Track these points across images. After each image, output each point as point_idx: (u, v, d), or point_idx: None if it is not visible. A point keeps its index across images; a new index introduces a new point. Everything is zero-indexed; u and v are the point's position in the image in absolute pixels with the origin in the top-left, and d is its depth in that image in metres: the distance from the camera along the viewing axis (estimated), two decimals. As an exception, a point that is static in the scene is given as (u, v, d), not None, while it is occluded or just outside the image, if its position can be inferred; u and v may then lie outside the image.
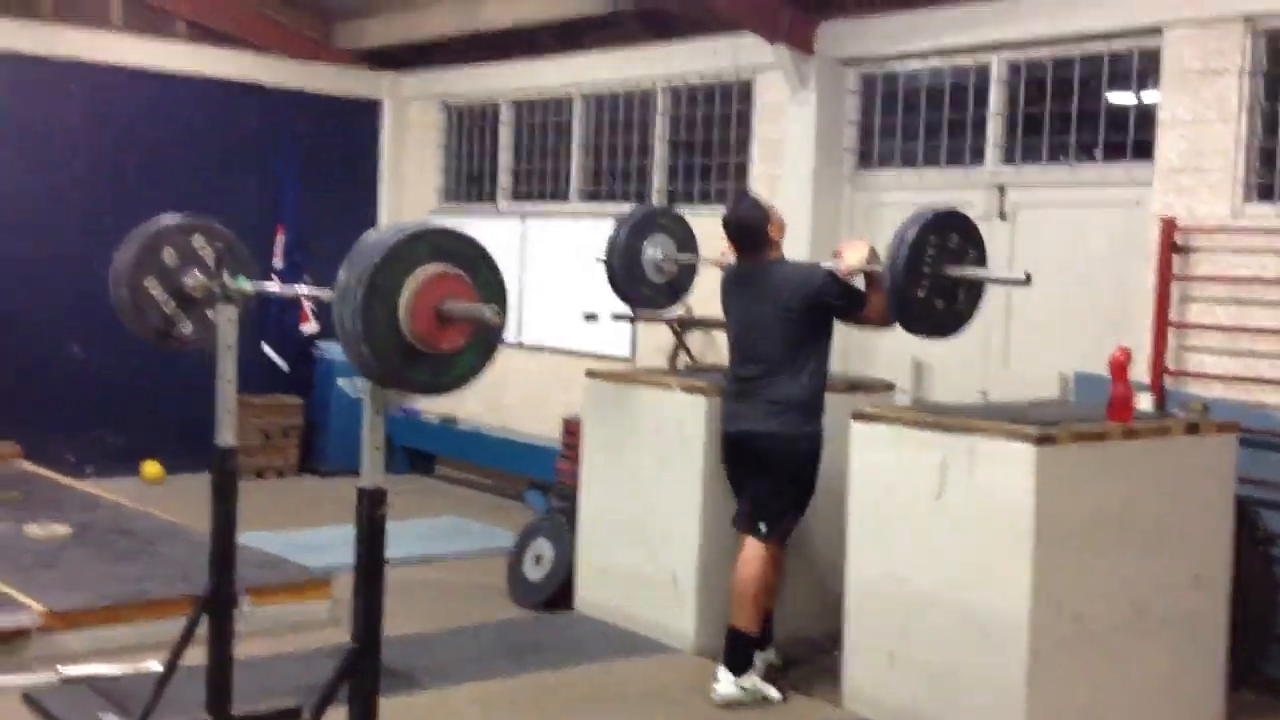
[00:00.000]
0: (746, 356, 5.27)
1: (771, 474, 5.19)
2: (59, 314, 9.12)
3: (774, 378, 5.14)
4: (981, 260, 4.75)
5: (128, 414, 9.43)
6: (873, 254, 4.99)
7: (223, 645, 4.33)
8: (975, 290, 4.75)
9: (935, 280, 4.60)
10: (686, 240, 6.10)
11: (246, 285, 4.40)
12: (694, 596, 5.63)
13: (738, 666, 5.10)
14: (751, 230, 5.25)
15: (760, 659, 5.27)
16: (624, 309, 8.56)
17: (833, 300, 5.09)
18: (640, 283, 6.03)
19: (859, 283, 5.10)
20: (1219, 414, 5.27)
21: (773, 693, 5.12)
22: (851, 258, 5.03)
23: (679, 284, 6.15)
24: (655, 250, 5.99)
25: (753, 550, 5.16)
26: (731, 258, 5.44)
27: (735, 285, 5.37)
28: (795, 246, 6.14)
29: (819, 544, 5.67)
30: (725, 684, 5.07)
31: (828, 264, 5.14)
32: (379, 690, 3.56)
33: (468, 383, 3.48)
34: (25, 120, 9.06)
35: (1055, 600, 4.51)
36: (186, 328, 4.53)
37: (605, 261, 5.99)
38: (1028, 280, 4.61)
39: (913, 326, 4.72)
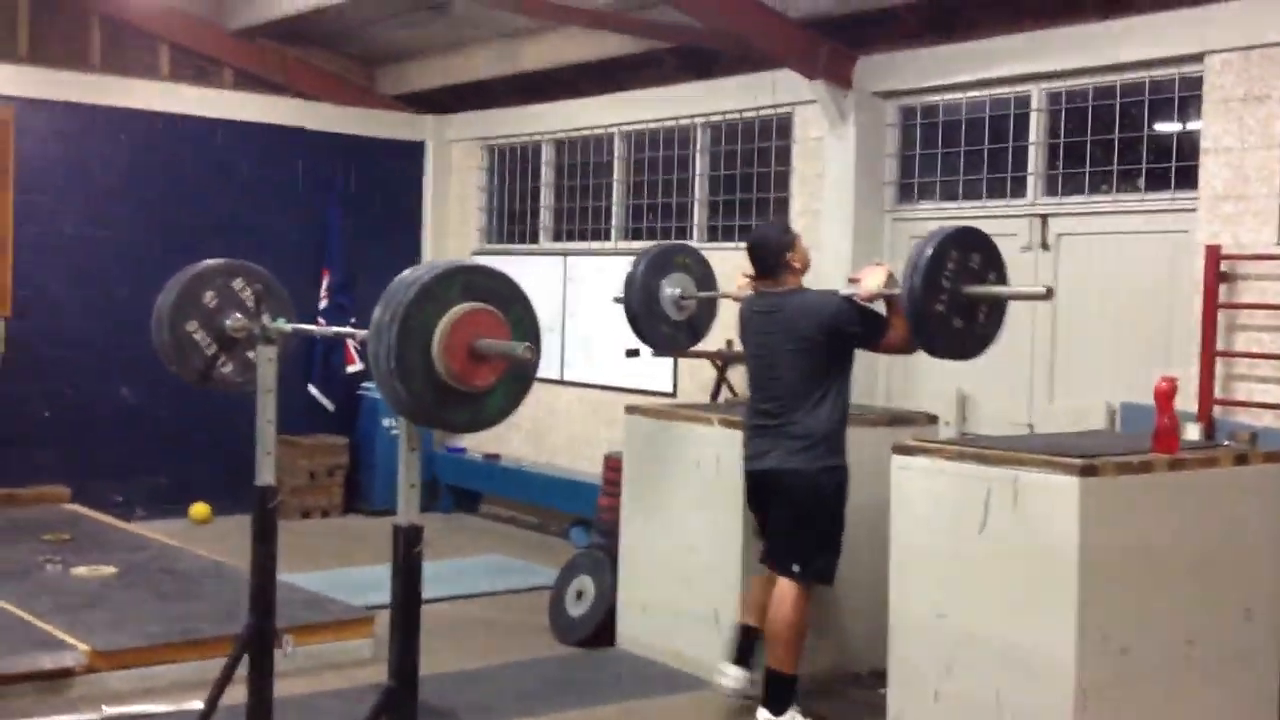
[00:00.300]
0: (765, 390, 5.21)
1: (798, 512, 5.12)
2: (108, 358, 9.26)
3: (794, 412, 5.08)
4: (1001, 279, 4.64)
5: (176, 456, 9.54)
6: (890, 279, 4.89)
7: (263, 683, 4.34)
8: (997, 309, 4.64)
9: (954, 298, 4.49)
10: (705, 277, 6.07)
11: (285, 326, 4.45)
12: (736, 632, 5.58)
13: (778, 707, 5.05)
14: (770, 250, 5.18)
15: (734, 676, 5.29)
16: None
17: (852, 328, 5.01)
18: (660, 320, 5.98)
19: (880, 308, 5.02)
20: (1268, 443, 5.18)
21: None
22: (870, 282, 4.93)
23: (698, 322, 6.10)
24: (674, 288, 5.95)
25: (786, 590, 5.09)
26: (749, 290, 5.40)
27: (753, 316, 5.30)
28: (836, 281, 6.10)
29: (862, 578, 5.61)
30: None
31: (846, 290, 5.07)
32: (416, 728, 3.55)
33: (500, 420, 3.48)
34: (75, 168, 9.23)
35: (1102, 635, 4.43)
36: (227, 369, 4.59)
37: (624, 301, 5.94)
38: (1049, 294, 4.51)
39: (933, 347, 4.62)
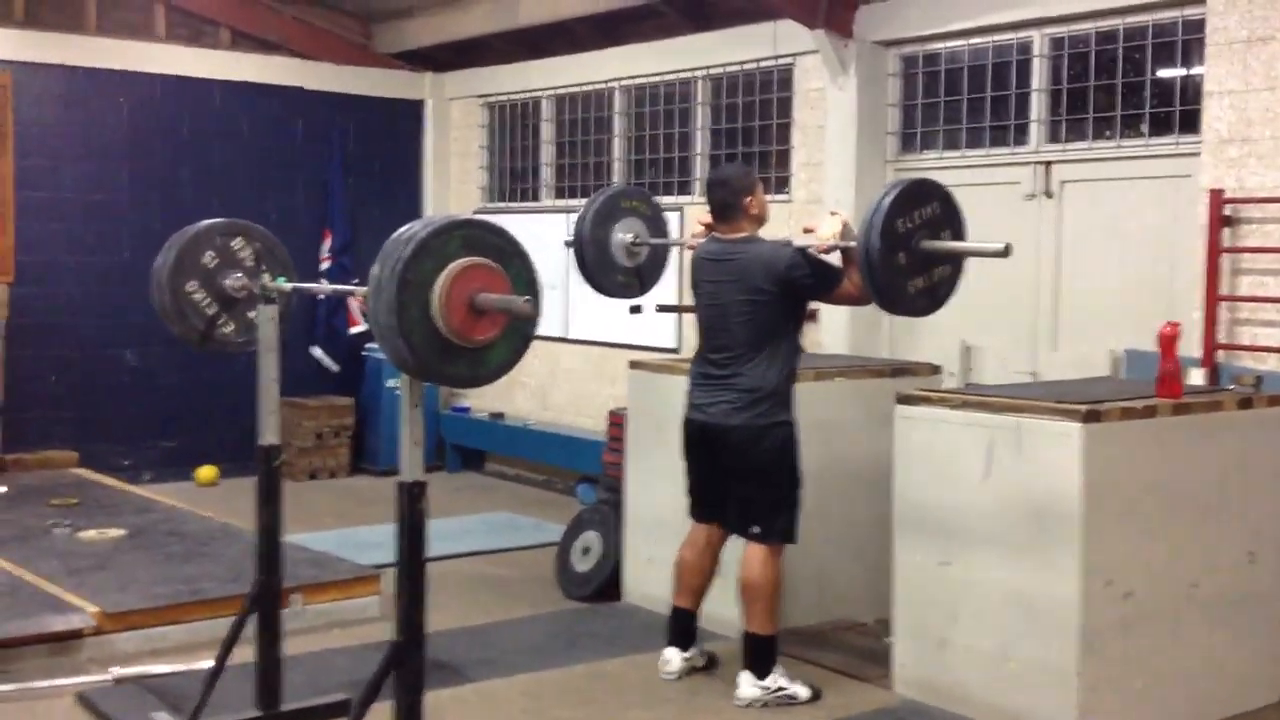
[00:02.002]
0: (714, 340, 5.02)
1: (749, 472, 4.93)
2: (112, 322, 9.27)
3: (743, 364, 4.89)
4: (959, 234, 4.38)
5: (182, 419, 9.57)
6: (846, 228, 4.70)
7: (271, 642, 4.37)
8: (954, 265, 4.39)
9: (910, 253, 4.23)
10: (655, 217, 5.77)
11: (285, 285, 4.44)
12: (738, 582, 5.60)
13: (761, 670, 4.91)
14: (731, 190, 4.97)
15: (681, 658, 5.16)
16: (669, 301, 8.58)
17: (805, 279, 4.80)
18: (614, 270, 5.67)
19: (835, 258, 4.79)
20: (1272, 386, 5.17)
21: (802, 691, 4.92)
22: (824, 231, 4.70)
23: (649, 268, 5.79)
24: (625, 234, 5.64)
25: (753, 552, 4.93)
26: (703, 239, 5.20)
27: (704, 262, 5.07)
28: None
29: (867, 527, 5.63)
30: (746, 686, 4.91)
31: (800, 240, 4.88)
32: (424, 682, 3.57)
33: (502, 374, 3.48)
34: (74, 131, 9.20)
35: (1106, 580, 4.44)
36: (228, 329, 4.59)
37: (576, 255, 5.65)
38: (1006, 251, 4.21)
39: (888, 303, 4.37)
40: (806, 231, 4.90)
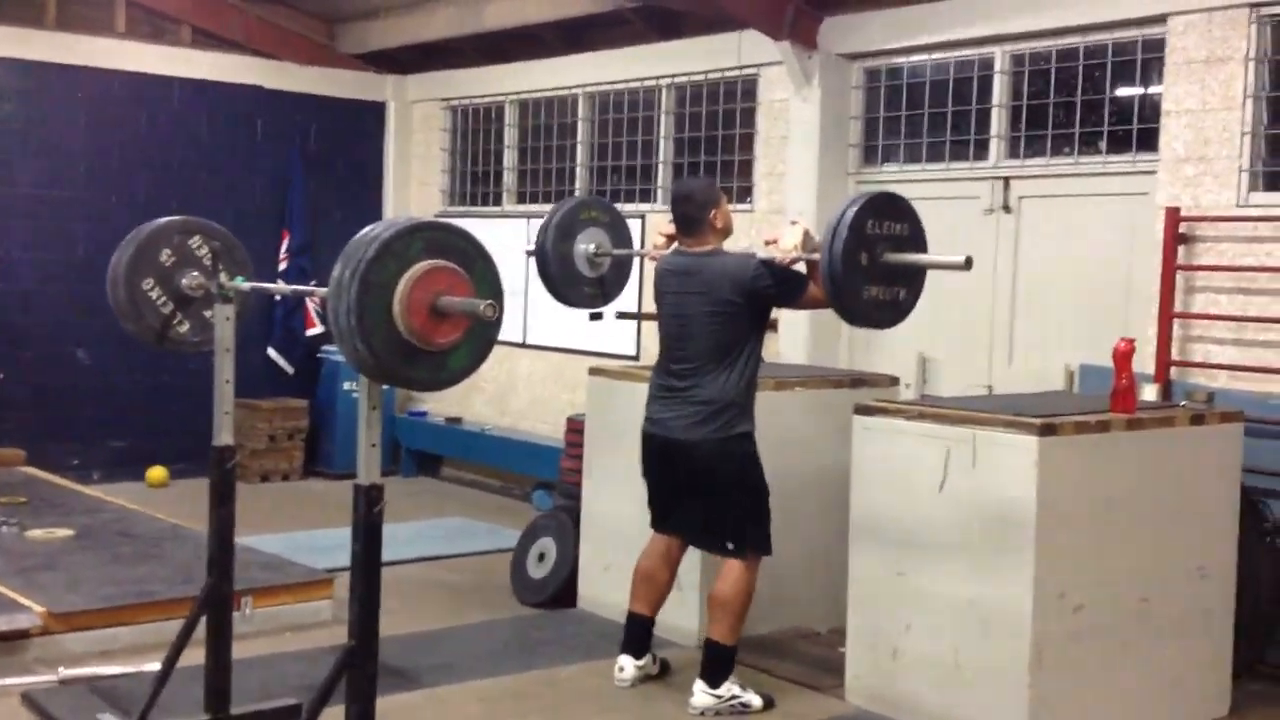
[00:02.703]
0: (677, 353, 5.00)
1: (715, 486, 4.92)
2: (64, 320, 9.16)
3: (704, 376, 4.89)
4: (920, 247, 4.41)
5: (133, 419, 9.46)
6: (808, 237, 4.71)
7: (221, 644, 4.32)
8: (916, 277, 4.43)
9: (873, 265, 4.25)
10: (615, 223, 5.72)
11: (243, 284, 4.40)
12: (697, 593, 5.59)
13: (716, 679, 4.91)
14: (695, 204, 4.98)
15: (634, 666, 5.12)
16: (629, 308, 8.58)
17: (770, 289, 4.79)
18: (580, 282, 5.65)
19: (799, 269, 4.79)
20: (1224, 403, 5.24)
21: (755, 700, 4.92)
22: (786, 242, 4.70)
23: (613, 278, 5.76)
24: (588, 244, 5.61)
25: (730, 567, 4.93)
26: (665, 250, 5.20)
27: (668, 275, 5.08)
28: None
29: (823, 536, 5.64)
30: (700, 695, 4.90)
31: (763, 253, 4.86)
32: (376, 687, 3.54)
33: (463, 378, 3.46)
34: (32, 127, 9.09)
35: (1058, 592, 4.48)
36: (184, 328, 4.53)
37: (541, 271, 5.63)
38: (968, 264, 4.26)
39: (850, 315, 4.40)
40: (769, 244, 4.88)
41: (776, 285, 4.81)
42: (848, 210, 4.23)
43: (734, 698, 4.91)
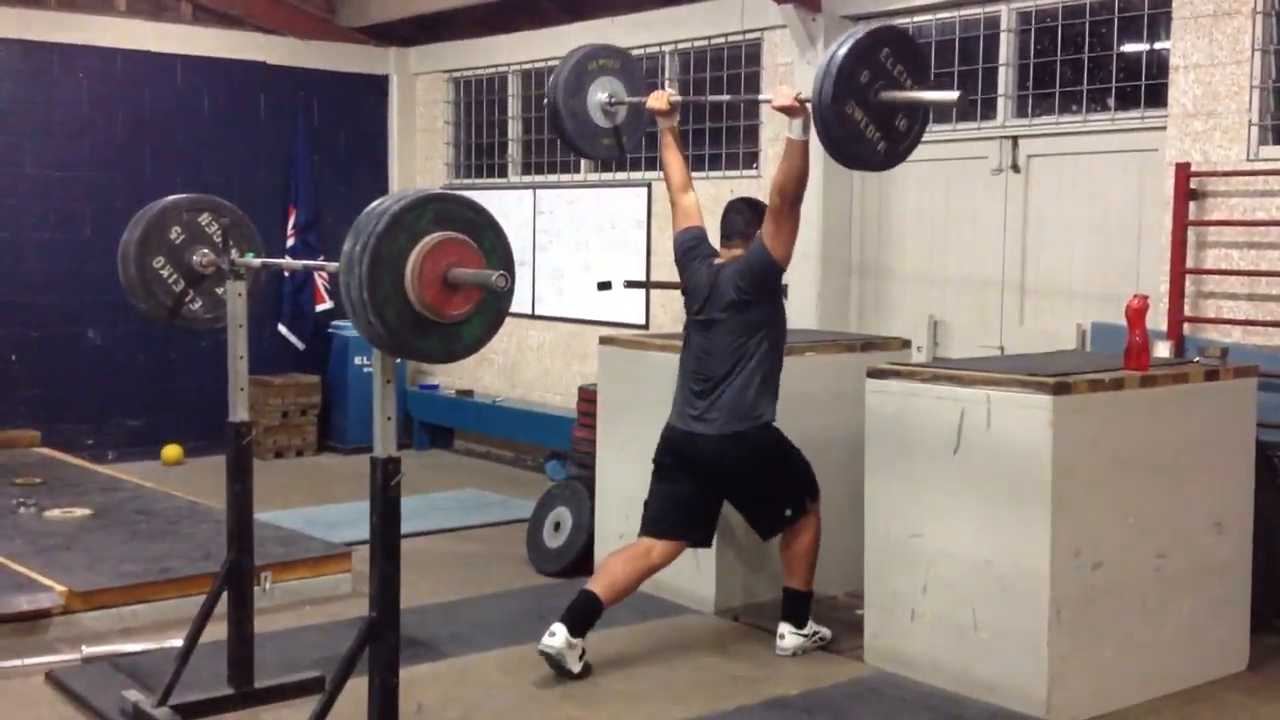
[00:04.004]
0: (702, 361, 5.06)
1: (758, 477, 5.10)
2: (75, 300, 9.17)
3: (734, 378, 4.98)
4: (921, 82, 4.31)
5: (147, 398, 9.49)
6: (803, 108, 4.58)
7: (243, 619, 4.36)
8: (915, 115, 4.33)
9: (867, 107, 4.18)
10: (628, 70, 5.58)
11: (254, 260, 4.41)
12: (713, 559, 5.62)
13: (801, 620, 5.22)
14: (744, 219, 5.10)
15: (568, 641, 4.86)
16: (638, 277, 8.58)
17: (752, 216, 5.03)
18: (598, 135, 5.49)
19: (796, 128, 4.67)
20: (1237, 358, 5.22)
21: (826, 632, 5.30)
22: (781, 93, 4.68)
23: (629, 125, 5.58)
24: (602, 94, 5.45)
25: (800, 526, 5.20)
26: (676, 97, 5.28)
27: (700, 275, 5.11)
28: (807, 204, 6.03)
29: (838, 500, 5.65)
30: (790, 636, 5.19)
31: (776, 99, 4.72)
32: (399, 658, 3.57)
33: (475, 350, 3.47)
34: (35, 107, 9.07)
35: (1075, 550, 4.48)
36: (196, 305, 4.56)
37: (556, 128, 5.51)
38: (961, 99, 4.25)
39: (845, 156, 4.34)
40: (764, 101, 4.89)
41: (751, 206, 5.08)
42: (840, 48, 4.17)
43: (815, 633, 5.26)
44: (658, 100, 5.26)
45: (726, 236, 5.17)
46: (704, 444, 5.02)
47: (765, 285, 4.97)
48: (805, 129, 4.66)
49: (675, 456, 5.15)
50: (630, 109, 5.51)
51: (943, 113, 7.27)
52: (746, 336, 4.97)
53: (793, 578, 5.24)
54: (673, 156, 5.32)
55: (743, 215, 5.16)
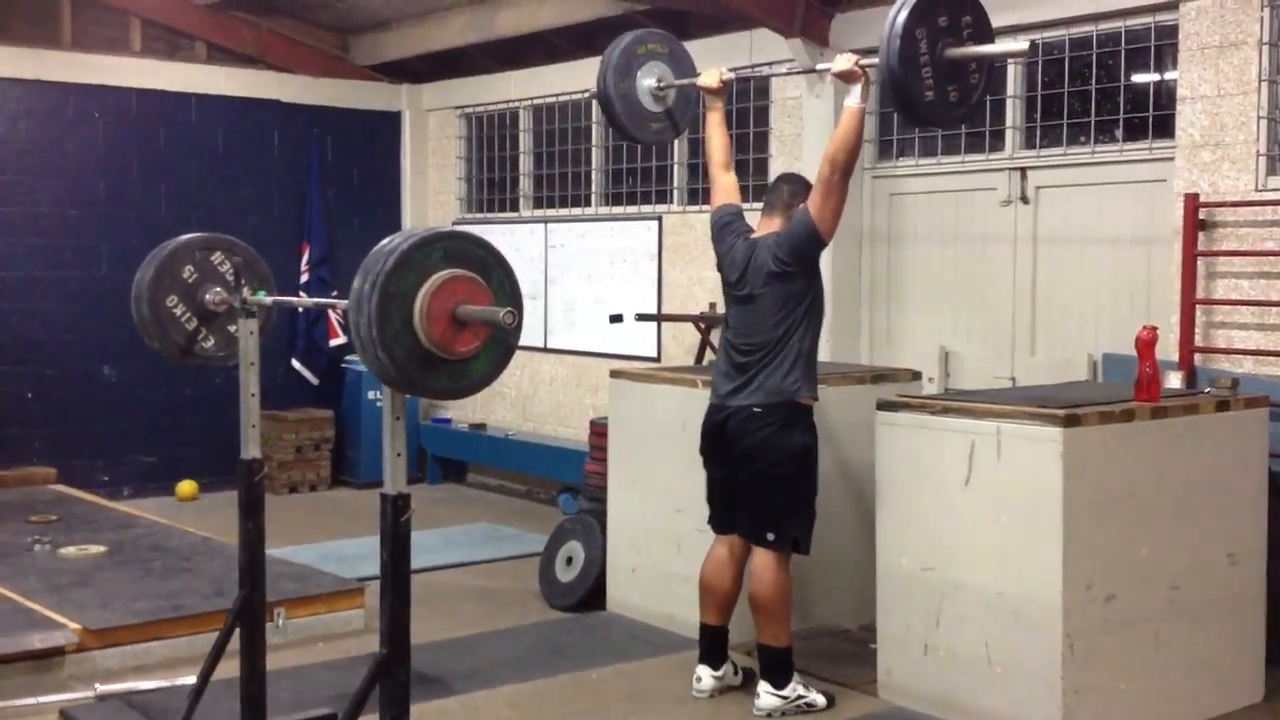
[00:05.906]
0: (742, 335, 5.01)
1: (766, 472, 4.90)
2: (90, 337, 9.23)
3: (771, 354, 4.92)
4: (982, 34, 4.35)
5: (161, 434, 9.53)
6: (864, 73, 4.67)
7: (255, 656, 4.35)
8: (983, 69, 4.35)
9: (936, 66, 4.22)
10: (676, 54, 5.55)
11: (265, 298, 4.43)
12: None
13: (779, 680, 4.92)
14: (790, 191, 5.06)
15: (711, 676, 5.07)
16: (649, 310, 8.61)
17: (801, 188, 4.99)
18: (647, 119, 5.47)
19: (854, 94, 4.73)
20: (1249, 389, 5.22)
21: (819, 699, 4.95)
22: (841, 60, 4.74)
23: (679, 107, 5.56)
24: (650, 79, 5.42)
25: (764, 561, 4.92)
26: (729, 75, 5.27)
27: (734, 251, 5.09)
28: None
29: (850, 533, 5.65)
30: (766, 696, 4.91)
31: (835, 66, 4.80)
32: (409, 695, 3.56)
33: (484, 386, 3.48)
34: (51, 147, 9.16)
35: (1087, 582, 4.47)
36: (209, 343, 4.57)
37: (604, 110, 5.48)
38: (1030, 50, 4.23)
39: (917, 116, 4.41)
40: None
41: (798, 183, 5.03)
42: (900, 11, 4.22)
43: (799, 697, 4.92)
44: (710, 78, 5.24)
45: (769, 206, 5.12)
46: (733, 423, 4.97)
47: (805, 256, 4.91)
48: (864, 96, 4.70)
49: (708, 441, 5.13)
50: (678, 93, 5.50)
51: (952, 149, 7.31)
52: (788, 310, 4.91)
53: (761, 632, 4.95)
54: (719, 134, 5.30)
55: (790, 185, 5.13)
